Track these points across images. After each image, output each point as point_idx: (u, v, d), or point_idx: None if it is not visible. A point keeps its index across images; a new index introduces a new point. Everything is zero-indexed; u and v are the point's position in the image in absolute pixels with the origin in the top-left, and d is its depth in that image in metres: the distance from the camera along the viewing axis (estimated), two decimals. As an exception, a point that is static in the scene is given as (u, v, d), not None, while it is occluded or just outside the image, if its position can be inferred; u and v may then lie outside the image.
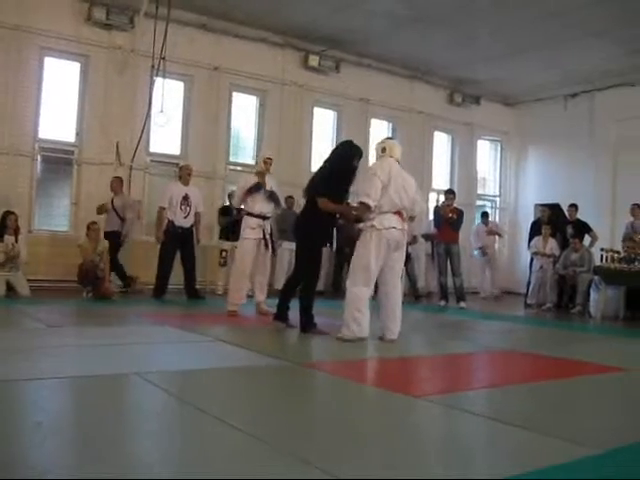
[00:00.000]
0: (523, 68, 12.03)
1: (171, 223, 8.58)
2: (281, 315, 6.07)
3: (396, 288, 5.61)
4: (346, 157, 5.84)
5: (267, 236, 7.26)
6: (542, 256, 10.75)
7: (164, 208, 8.61)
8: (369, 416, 3.26)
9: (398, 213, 5.49)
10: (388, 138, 6.13)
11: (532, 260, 11.16)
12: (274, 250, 7.80)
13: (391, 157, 5.61)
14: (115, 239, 8.94)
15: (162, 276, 8.59)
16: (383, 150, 5.67)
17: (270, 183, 7.36)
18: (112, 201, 9.20)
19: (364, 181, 5.55)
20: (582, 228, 10.55)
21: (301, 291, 5.93)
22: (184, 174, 8.87)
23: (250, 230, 7.15)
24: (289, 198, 10.11)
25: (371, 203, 5.36)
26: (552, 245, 10.79)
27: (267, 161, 7.34)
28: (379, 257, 5.41)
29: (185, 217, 8.68)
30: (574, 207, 10.83)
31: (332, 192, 5.72)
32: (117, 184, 9.29)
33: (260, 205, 7.18)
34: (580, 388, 4.15)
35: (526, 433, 2.87)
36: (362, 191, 5.46)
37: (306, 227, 5.92)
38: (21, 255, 8.07)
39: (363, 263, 5.41)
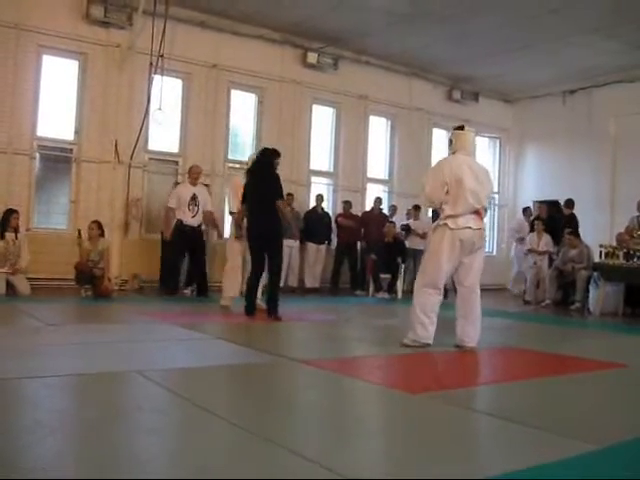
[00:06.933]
0: (522, 65, 12.01)
1: (180, 222, 8.88)
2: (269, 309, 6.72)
3: (474, 290, 5.13)
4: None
5: None
6: (538, 254, 10.72)
7: (172, 208, 8.94)
8: (368, 413, 3.26)
9: (476, 212, 5.06)
10: (460, 127, 5.54)
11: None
12: None
13: (455, 153, 5.18)
14: None
15: (171, 272, 9.03)
16: (450, 142, 5.30)
17: None
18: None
19: (427, 176, 5.26)
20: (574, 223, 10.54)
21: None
22: (192, 175, 9.16)
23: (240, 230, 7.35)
24: (288, 195, 10.09)
25: (426, 199, 5.25)
26: (546, 240, 10.76)
27: None
28: (452, 258, 4.99)
29: (193, 216, 8.99)
30: (569, 203, 10.88)
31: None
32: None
33: None
34: (581, 384, 4.14)
35: (527, 429, 2.87)
36: (422, 186, 5.19)
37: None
38: (22, 256, 8.14)
39: (434, 263, 5.03)
